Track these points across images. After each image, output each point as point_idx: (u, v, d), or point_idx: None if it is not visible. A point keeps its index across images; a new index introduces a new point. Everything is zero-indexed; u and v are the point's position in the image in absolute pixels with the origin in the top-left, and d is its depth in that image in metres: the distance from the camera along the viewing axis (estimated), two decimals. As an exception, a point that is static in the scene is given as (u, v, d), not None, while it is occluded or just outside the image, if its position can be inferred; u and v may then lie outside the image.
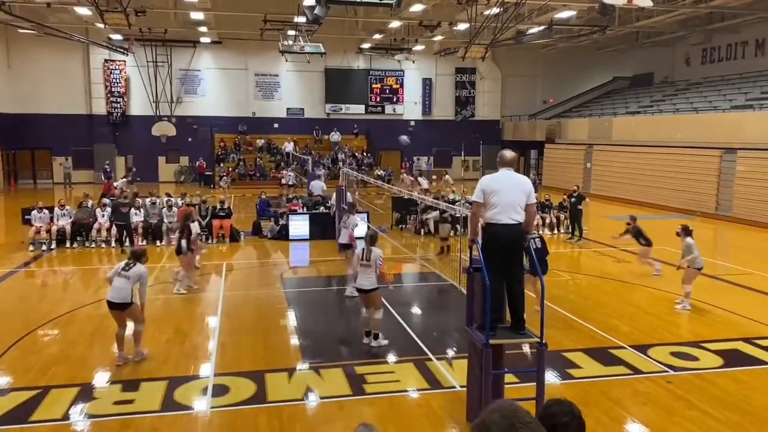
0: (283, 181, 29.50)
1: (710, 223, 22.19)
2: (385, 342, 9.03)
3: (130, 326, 8.48)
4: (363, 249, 9.13)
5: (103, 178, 29.79)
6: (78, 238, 16.93)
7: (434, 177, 36.82)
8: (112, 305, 8.19)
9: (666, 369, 8.17)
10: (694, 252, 10.81)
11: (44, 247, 16.39)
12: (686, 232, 11.10)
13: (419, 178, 26.53)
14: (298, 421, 6.80)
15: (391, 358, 8.60)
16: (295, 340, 9.43)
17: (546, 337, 6.23)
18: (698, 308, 11.10)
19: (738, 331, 9.83)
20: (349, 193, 16.65)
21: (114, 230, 16.78)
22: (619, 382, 7.81)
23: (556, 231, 19.39)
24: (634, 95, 34.63)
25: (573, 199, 18.29)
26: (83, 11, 25.26)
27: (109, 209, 17.21)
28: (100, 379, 7.86)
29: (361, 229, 12.61)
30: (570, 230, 18.60)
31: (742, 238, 19.66)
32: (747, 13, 26.19)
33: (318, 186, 22.56)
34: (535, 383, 6.24)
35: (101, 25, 24.87)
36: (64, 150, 34.68)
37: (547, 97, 40.75)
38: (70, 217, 17.07)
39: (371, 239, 9.29)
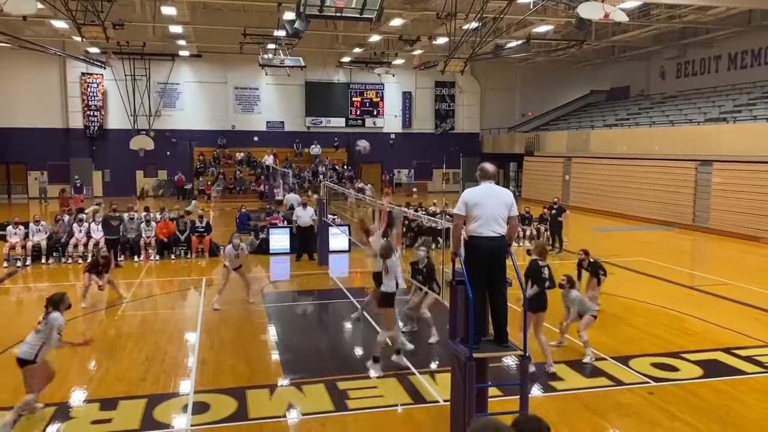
0: (278, 197, 28.77)
1: (687, 235, 22.50)
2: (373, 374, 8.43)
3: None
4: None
5: (73, 192, 29.38)
6: (54, 254, 16.66)
7: (415, 190, 36.89)
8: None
9: (647, 380, 8.22)
10: (586, 304, 9.48)
11: (19, 263, 16.10)
12: (571, 284, 9.58)
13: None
14: (281, 438, 6.71)
15: (374, 372, 8.53)
16: (276, 356, 9.33)
17: (529, 350, 6.22)
18: (678, 318, 11.21)
19: (717, 341, 9.93)
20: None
21: (91, 245, 16.56)
22: (601, 394, 7.83)
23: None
24: (611, 108, 35.12)
25: (553, 212, 18.44)
26: (60, 24, 24.99)
27: (86, 224, 16.99)
28: (77, 397, 7.70)
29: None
30: (550, 242, 18.71)
31: (719, 249, 19.94)
32: (719, 29, 26.77)
33: (294, 198, 22.35)
34: (518, 396, 6.23)
35: (78, 39, 24.61)
36: (40, 164, 34.17)
37: (525, 110, 41.15)
38: (46, 233, 16.80)
39: (385, 252, 8.67)
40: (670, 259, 16.98)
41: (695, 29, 28.19)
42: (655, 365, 8.75)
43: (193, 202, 26.45)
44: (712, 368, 8.69)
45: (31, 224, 16.80)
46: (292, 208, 21.67)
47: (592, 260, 11.54)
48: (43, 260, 16.40)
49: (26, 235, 16.55)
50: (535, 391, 7.73)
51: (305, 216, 17.24)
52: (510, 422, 2.51)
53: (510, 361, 8.63)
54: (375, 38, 30.19)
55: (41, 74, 33.87)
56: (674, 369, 8.66)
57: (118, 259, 16.17)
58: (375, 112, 39.56)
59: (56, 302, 7.38)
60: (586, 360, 9.01)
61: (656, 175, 25.35)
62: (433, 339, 9.76)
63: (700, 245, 21.13)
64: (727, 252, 19.13)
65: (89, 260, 13.21)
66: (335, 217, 19.58)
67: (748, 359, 9.02)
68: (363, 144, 29.19)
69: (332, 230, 16.60)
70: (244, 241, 12.64)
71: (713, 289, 13.57)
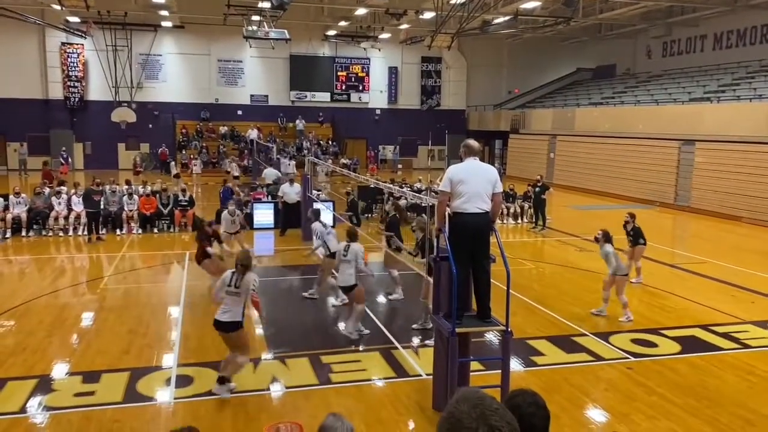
0: (229, 170, 28.65)
1: (669, 213, 22.74)
2: (357, 333, 9.03)
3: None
4: (345, 243, 9.16)
5: (62, 162, 28.99)
6: (34, 227, 16.47)
7: (400, 166, 36.86)
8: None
9: (627, 356, 8.35)
10: (613, 262, 9.84)
11: (-1, 236, 15.91)
12: (606, 238, 10.00)
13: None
14: (264, 411, 6.74)
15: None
16: (260, 330, 9.35)
17: (511, 325, 6.29)
18: (657, 296, 11.37)
19: (695, 318, 10.10)
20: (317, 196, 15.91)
21: (72, 218, 16.42)
22: (581, 369, 7.95)
23: (519, 220, 19.62)
24: (597, 86, 35.15)
25: (537, 189, 18.52)
26: (39, -8, 24.44)
27: (65, 197, 16.79)
28: (60, 370, 7.66)
29: (327, 217, 12.50)
30: (533, 219, 18.84)
31: (699, 227, 20.19)
32: (705, 8, 26.80)
33: (273, 173, 22.12)
34: (500, 371, 6.31)
35: (58, 7, 24.08)
36: (19, 136, 33.52)
37: (512, 87, 41.04)
38: (26, 205, 16.58)
39: (352, 235, 9.27)
40: (651, 237, 17.07)
41: (682, 8, 28.20)
42: (635, 341, 8.89)
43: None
44: (690, 344, 8.84)
45: (11, 196, 16.56)
46: (272, 183, 21.56)
47: (636, 225, 11.97)
48: (23, 233, 16.21)
49: (5, 208, 16.33)
50: (517, 365, 7.83)
51: (291, 193, 17.15)
52: (504, 397, 2.45)
53: (492, 336, 8.73)
54: (361, 11, 29.83)
55: (19, 43, 33.08)
56: (653, 345, 8.80)
57: (100, 232, 16.04)
58: (360, 87, 39.23)
59: (247, 264, 7.51)
60: (623, 319, 9.70)
61: (640, 153, 25.49)
62: (394, 296, 10.05)
63: (681, 224, 21.37)
64: (708, 231, 19.37)
65: (200, 234, 11.43)
66: (320, 192, 19.54)
67: (725, 335, 9.19)
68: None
69: (317, 206, 16.52)
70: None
71: (692, 267, 13.76)
